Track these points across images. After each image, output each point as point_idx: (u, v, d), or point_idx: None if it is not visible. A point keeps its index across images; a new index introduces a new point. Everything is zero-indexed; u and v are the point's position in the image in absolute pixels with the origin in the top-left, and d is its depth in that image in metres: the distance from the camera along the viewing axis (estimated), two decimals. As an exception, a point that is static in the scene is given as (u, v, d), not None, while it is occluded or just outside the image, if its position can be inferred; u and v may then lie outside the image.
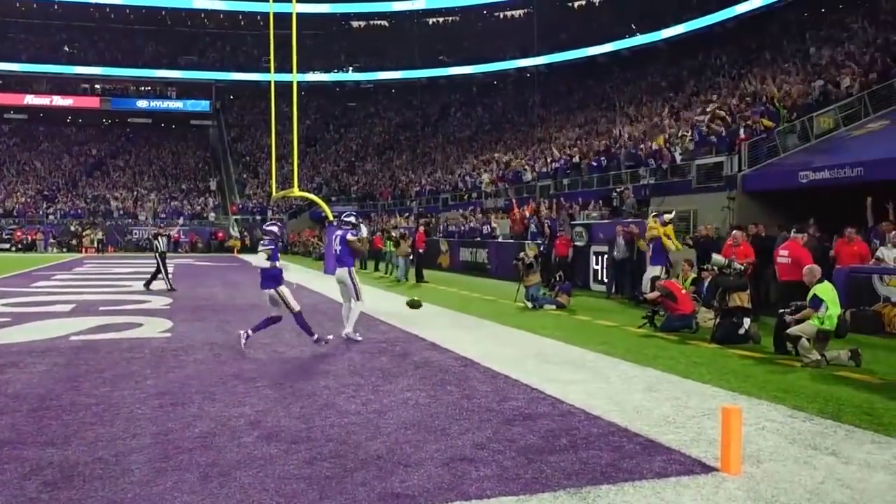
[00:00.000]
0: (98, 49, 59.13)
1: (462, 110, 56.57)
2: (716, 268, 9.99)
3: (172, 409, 5.83)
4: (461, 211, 30.58)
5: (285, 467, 4.44)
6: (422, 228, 23.24)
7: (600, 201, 21.25)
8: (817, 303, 8.01)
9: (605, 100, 41.83)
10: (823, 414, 5.77)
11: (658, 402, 6.15)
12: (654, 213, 14.19)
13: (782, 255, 9.76)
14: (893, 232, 11.36)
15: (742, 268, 9.74)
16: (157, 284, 17.02)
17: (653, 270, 12.66)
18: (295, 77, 22.62)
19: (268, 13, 29.71)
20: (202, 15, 62.95)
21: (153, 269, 17.29)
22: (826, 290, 8.13)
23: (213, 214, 48.77)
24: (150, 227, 45.55)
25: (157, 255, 17.20)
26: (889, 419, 5.62)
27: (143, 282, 17.47)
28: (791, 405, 6.05)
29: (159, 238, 17.61)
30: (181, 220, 39.40)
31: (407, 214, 35.08)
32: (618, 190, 19.59)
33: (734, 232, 11.56)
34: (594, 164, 25.65)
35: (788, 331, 8.14)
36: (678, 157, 20.81)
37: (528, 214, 21.12)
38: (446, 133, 53.40)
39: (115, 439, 4.99)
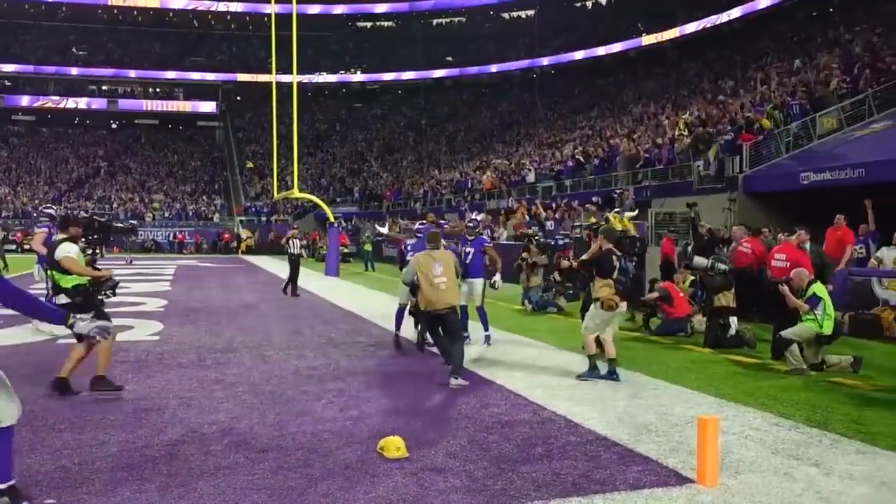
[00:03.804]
0: (106, 50, 59.31)
1: (467, 111, 56.40)
2: (699, 270, 9.83)
3: (145, 416, 5.74)
4: (465, 212, 30.37)
5: (249, 477, 4.34)
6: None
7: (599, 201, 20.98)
8: (815, 301, 7.76)
9: (611, 100, 41.58)
10: (811, 422, 5.62)
11: (642, 409, 6.01)
12: (615, 210, 13.92)
13: (778, 259, 9.52)
14: None
15: (726, 268, 9.57)
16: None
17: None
18: (295, 78, 22.56)
19: (280, 14, 29.65)
20: (209, 16, 63.01)
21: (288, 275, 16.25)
22: (823, 290, 7.93)
23: (218, 215, 48.79)
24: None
25: (289, 259, 16.30)
26: (878, 428, 5.47)
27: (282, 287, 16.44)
28: (778, 413, 5.90)
29: (291, 241, 16.51)
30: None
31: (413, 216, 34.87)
32: (617, 191, 19.36)
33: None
34: (595, 164, 25.44)
35: (782, 333, 7.88)
36: (677, 158, 20.65)
37: (526, 217, 20.95)
38: (451, 134, 53.27)
39: (82, 447, 4.90)
